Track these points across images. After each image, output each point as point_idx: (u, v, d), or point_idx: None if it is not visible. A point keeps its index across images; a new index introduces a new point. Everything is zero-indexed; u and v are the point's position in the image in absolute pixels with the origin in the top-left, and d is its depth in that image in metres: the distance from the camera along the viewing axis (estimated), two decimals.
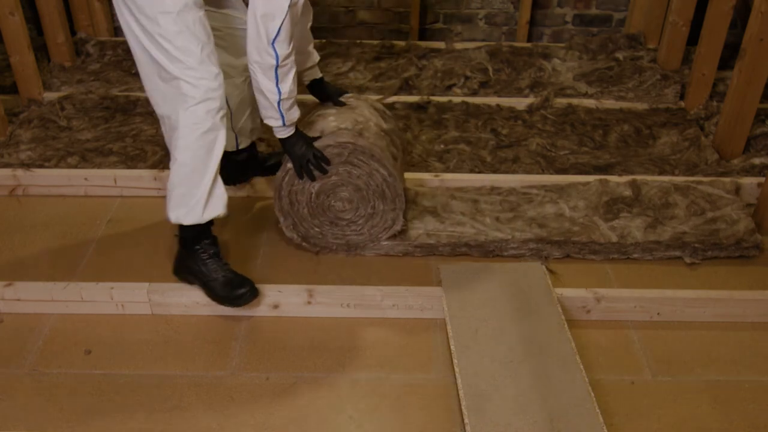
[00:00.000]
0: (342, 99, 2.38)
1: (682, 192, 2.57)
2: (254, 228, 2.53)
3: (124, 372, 2.00)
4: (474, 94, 3.31)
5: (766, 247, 2.48)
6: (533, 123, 3.09)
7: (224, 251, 2.40)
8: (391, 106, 3.17)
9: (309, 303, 2.17)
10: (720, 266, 2.41)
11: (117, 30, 3.70)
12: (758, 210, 2.56)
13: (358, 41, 3.69)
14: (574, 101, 3.23)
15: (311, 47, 2.30)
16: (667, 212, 2.49)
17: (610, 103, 3.23)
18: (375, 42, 3.67)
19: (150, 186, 2.65)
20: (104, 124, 3.01)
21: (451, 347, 2.01)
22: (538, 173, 2.76)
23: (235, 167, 2.60)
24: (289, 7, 1.92)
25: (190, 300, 2.15)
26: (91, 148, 2.84)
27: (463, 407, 1.83)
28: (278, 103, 2.06)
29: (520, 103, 3.22)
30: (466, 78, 3.37)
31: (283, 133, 2.16)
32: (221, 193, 2.09)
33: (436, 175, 2.68)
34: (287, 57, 2.00)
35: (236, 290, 2.10)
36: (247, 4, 1.99)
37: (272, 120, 2.12)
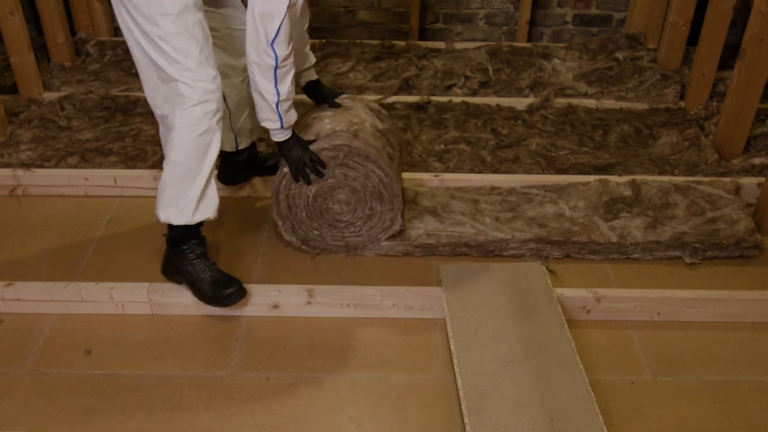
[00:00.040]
0: (337, 100, 2.38)
1: (682, 192, 2.57)
2: (254, 228, 2.53)
3: (124, 372, 2.00)
4: (474, 94, 3.31)
5: (766, 247, 2.48)
6: (533, 123, 3.09)
7: (224, 251, 2.41)
8: (391, 106, 3.17)
9: (309, 303, 2.17)
10: (720, 266, 2.41)
11: (117, 30, 3.70)
12: (758, 210, 2.56)
13: (358, 41, 3.69)
14: (574, 101, 3.23)
15: (308, 49, 2.31)
16: (667, 212, 2.49)
17: (610, 103, 3.23)
18: (375, 42, 3.67)
19: (150, 186, 2.65)
20: (104, 124, 3.01)
21: (451, 347, 2.01)
22: (538, 173, 2.76)
23: (235, 168, 2.60)
24: (288, 7, 1.92)
25: (190, 300, 2.15)
26: (91, 148, 2.84)
27: (463, 407, 1.83)
28: (277, 104, 2.06)
29: (520, 103, 3.22)
30: (466, 78, 3.37)
31: (280, 136, 2.16)
32: (213, 196, 2.09)
33: (436, 175, 2.68)
34: (286, 58, 2.00)
35: (224, 290, 2.10)
36: (245, 5, 1.99)
37: (270, 122, 2.12)
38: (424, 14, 3.81)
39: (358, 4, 3.80)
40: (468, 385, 1.88)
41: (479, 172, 2.76)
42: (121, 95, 3.19)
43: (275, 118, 2.10)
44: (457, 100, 3.22)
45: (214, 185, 2.09)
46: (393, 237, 2.39)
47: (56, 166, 2.74)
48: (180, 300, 2.16)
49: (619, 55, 3.52)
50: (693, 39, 3.22)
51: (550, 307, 2.13)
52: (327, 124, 2.27)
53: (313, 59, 2.34)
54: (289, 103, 2.09)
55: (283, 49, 1.97)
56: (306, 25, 2.24)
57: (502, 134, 3.00)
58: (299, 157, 2.18)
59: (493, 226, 2.43)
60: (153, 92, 2.01)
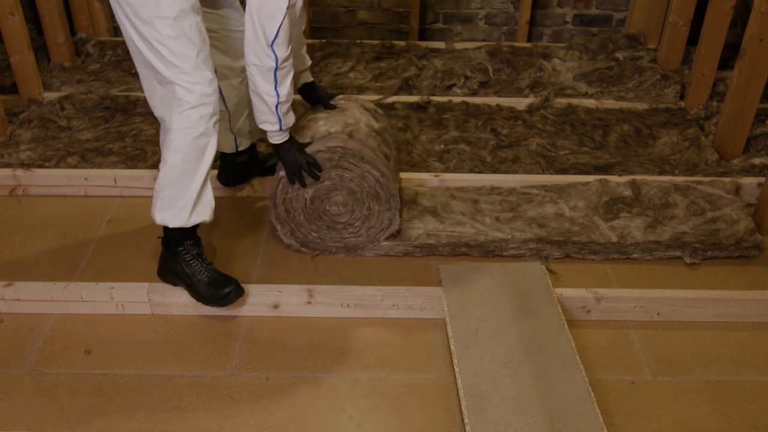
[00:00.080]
0: (332, 102, 2.38)
1: (682, 192, 2.57)
2: (254, 228, 2.53)
3: (124, 372, 2.00)
4: (474, 94, 3.31)
5: (766, 247, 2.48)
6: (533, 123, 3.09)
7: (224, 251, 2.41)
8: (391, 106, 3.17)
9: (309, 303, 2.17)
10: (720, 266, 2.41)
11: (117, 30, 3.70)
12: (758, 210, 2.56)
13: (358, 41, 3.69)
14: (574, 101, 3.23)
15: (304, 50, 2.31)
16: (667, 212, 2.49)
17: (610, 103, 3.23)
18: (375, 42, 3.67)
19: (150, 186, 2.65)
20: (104, 124, 3.01)
21: (451, 347, 2.01)
22: (538, 173, 2.76)
23: (235, 168, 2.60)
24: (288, 8, 1.92)
25: (190, 300, 2.15)
26: (91, 148, 2.84)
27: (463, 407, 1.83)
28: (276, 106, 2.06)
29: (520, 103, 3.22)
30: (466, 78, 3.37)
31: (278, 139, 2.16)
32: (209, 199, 2.09)
33: (436, 175, 2.68)
34: (286, 59, 2.00)
35: (221, 290, 2.10)
36: (244, 6, 1.98)
37: (268, 125, 2.12)
38: (424, 14, 3.81)
39: (358, 4, 3.80)
40: (468, 385, 1.88)
41: (479, 172, 2.76)
42: (121, 95, 3.19)
43: (274, 120, 2.10)
44: (457, 100, 3.22)
45: (210, 188, 2.09)
46: (393, 237, 2.39)
47: (56, 166, 2.74)
48: (180, 300, 2.16)
49: (619, 55, 3.52)
50: (693, 39, 3.22)
51: (550, 307, 2.13)
52: (322, 126, 2.27)
53: (309, 61, 2.35)
54: (288, 105, 2.09)
55: (282, 50, 1.97)
56: (303, 27, 2.24)
57: (502, 134, 3.00)
58: (296, 159, 2.19)
59: (493, 226, 2.43)
60: (151, 93, 2.01)
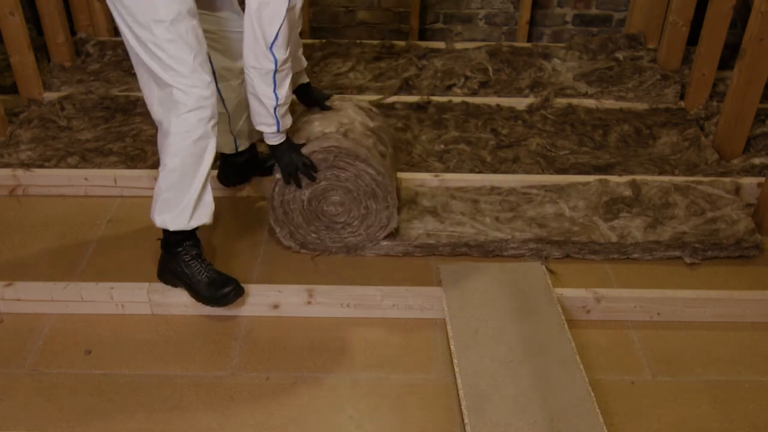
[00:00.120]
0: (327, 103, 2.38)
1: (682, 192, 2.57)
2: (254, 228, 2.52)
3: (124, 372, 2.00)
4: (474, 94, 3.30)
5: (766, 247, 2.48)
6: (533, 123, 3.09)
7: (224, 251, 2.41)
8: (391, 106, 3.17)
9: (309, 303, 2.17)
10: (720, 266, 2.41)
11: (117, 30, 3.67)
12: (758, 210, 2.56)
13: (358, 41, 3.69)
14: (574, 101, 3.23)
15: (300, 52, 2.31)
16: (667, 212, 2.49)
17: (610, 103, 3.22)
18: (375, 42, 3.67)
19: (150, 186, 2.65)
20: (104, 124, 3.01)
21: (451, 347, 2.01)
22: (538, 173, 2.76)
23: (235, 169, 2.60)
24: (287, 11, 1.92)
25: (190, 300, 2.15)
26: (91, 148, 2.84)
27: (463, 407, 1.83)
28: (275, 108, 2.06)
29: (520, 103, 3.22)
30: (466, 78, 3.37)
31: (275, 140, 2.16)
32: (209, 202, 2.09)
33: (436, 175, 2.68)
34: (285, 62, 2.00)
35: (220, 290, 2.10)
36: (243, 8, 1.98)
37: (266, 126, 2.12)
38: (424, 14, 3.81)
39: (358, 4, 3.80)
40: (468, 385, 1.88)
41: (479, 172, 2.76)
42: (121, 95, 3.19)
43: (272, 122, 2.10)
44: (457, 100, 3.22)
45: (210, 190, 2.09)
46: (393, 237, 2.39)
47: (56, 166, 2.74)
48: (180, 300, 2.16)
49: (619, 55, 3.52)
50: (693, 39, 3.22)
51: (550, 307, 2.13)
52: (317, 126, 2.28)
53: (305, 63, 2.34)
54: (286, 107, 2.10)
55: (281, 53, 1.97)
56: (299, 29, 2.24)
57: (502, 134, 3.00)
58: (291, 160, 2.19)
59: (493, 226, 2.43)
60: (149, 96, 2.01)
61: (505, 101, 3.23)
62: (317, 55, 3.54)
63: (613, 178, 2.64)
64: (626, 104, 3.22)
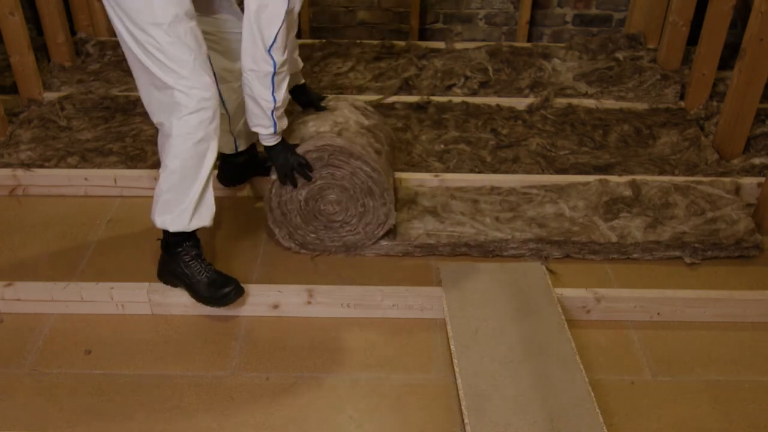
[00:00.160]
0: (323, 103, 2.38)
1: (682, 192, 2.57)
2: (254, 228, 2.52)
3: (124, 372, 2.00)
4: (474, 94, 3.31)
5: (766, 247, 2.48)
6: (533, 123, 3.09)
7: (224, 251, 2.41)
8: (391, 106, 3.17)
9: (309, 303, 2.17)
10: (720, 266, 2.41)
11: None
12: (758, 210, 2.56)
13: (358, 41, 3.69)
14: (574, 101, 3.23)
15: (296, 54, 2.31)
16: (667, 212, 2.49)
17: (610, 103, 3.23)
18: (375, 42, 3.67)
19: (150, 186, 2.65)
20: (104, 124, 3.01)
21: (451, 347, 2.01)
22: (538, 173, 2.76)
23: (235, 169, 2.60)
24: (286, 13, 1.92)
25: (190, 300, 2.15)
26: (91, 148, 2.84)
27: (463, 407, 1.83)
28: (272, 111, 2.06)
29: (520, 103, 3.22)
30: (466, 78, 3.37)
31: (271, 141, 2.16)
32: (210, 204, 2.09)
33: (436, 175, 2.68)
34: (283, 64, 2.01)
35: (220, 290, 2.10)
36: (242, 9, 1.98)
37: (262, 128, 2.12)
38: (424, 14, 3.81)
39: (358, 4, 3.80)
40: (468, 385, 1.88)
41: (479, 172, 2.76)
42: (121, 95, 3.19)
43: (269, 124, 2.10)
44: (457, 100, 3.22)
45: (211, 193, 2.09)
46: (393, 237, 2.39)
47: (56, 166, 2.74)
48: (180, 300, 2.16)
49: (619, 55, 3.52)
50: (693, 39, 3.22)
51: (550, 307, 2.13)
52: (311, 126, 2.28)
53: (300, 64, 2.35)
54: (282, 109, 2.10)
55: (279, 55, 1.98)
56: (295, 31, 2.24)
57: (502, 134, 3.00)
58: (287, 161, 2.19)
59: (493, 226, 2.43)
60: (148, 99, 2.01)
61: (505, 101, 3.23)
62: (317, 55, 3.54)
63: (613, 178, 2.64)
64: (626, 104, 3.22)
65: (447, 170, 2.76)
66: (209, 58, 2.02)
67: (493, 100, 3.23)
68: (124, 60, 3.44)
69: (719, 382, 2.01)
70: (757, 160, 2.82)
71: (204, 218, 2.09)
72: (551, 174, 2.75)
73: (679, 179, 2.66)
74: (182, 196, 2.03)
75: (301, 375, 2.00)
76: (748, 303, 2.19)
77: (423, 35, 3.85)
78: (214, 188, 2.13)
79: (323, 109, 2.37)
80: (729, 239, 2.39)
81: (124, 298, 2.16)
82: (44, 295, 2.16)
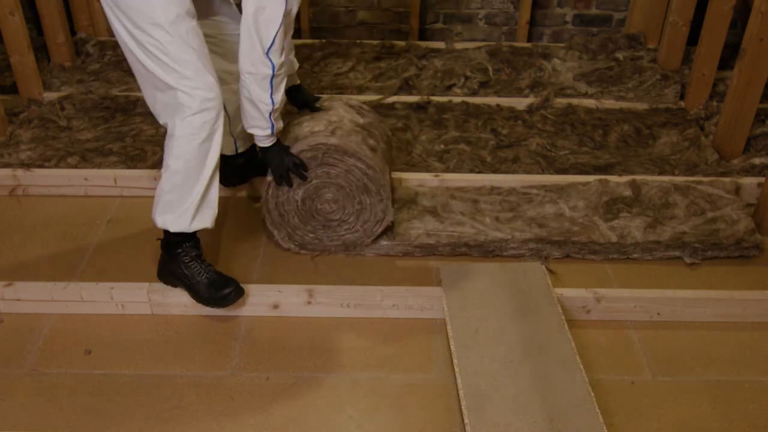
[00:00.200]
0: (317, 104, 2.38)
1: (682, 192, 2.57)
2: (254, 228, 2.52)
3: (124, 372, 2.00)
4: (474, 94, 3.30)
5: (766, 247, 2.48)
6: (533, 123, 3.09)
7: (224, 251, 2.41)
8: (391, 106, 3.17)
9: (309, 303, 2.17)
10: (720, 266, 2.41)
11: None
12: (758, 210, 2.56)
13: (358, 41, 3.69)
14: (574, 101, 3.23)
15: (292, 55, 2.31)
16: (666, 212, 2.49)
17: (610, 103, 3.23)
18: (375, 42, 3.67)
19: (150, 186, 2.65)
20: (104, 124, 3.01)
21: (451, 347, 2.01)
22: (538, 173, 2.76)
23: (235, 170, 2.60)
24: (284, 16, 1.92)
25: (190, 300, 2.15)
26: (91, 148, 2.84)
27: (463, 407, 1.83)
28: (270, 113, 2.06)
29: (520, 103, 3.22)
30: (466, 78, 3.37)
31: (267, 142, 2.16)
32: (213, 206, 2.09)
33: (436, 175, 2.68)
34: (281, 66, 2.00)
35: (220, 291, 2.10)
36: (241, 11, 1.98)
37: (259, 129, 2.12)
38: (424, 14, 3.81)
39: (358, 4, 3.80)
40: (468, 385, 1.88)
41: (479, 172, 2.76)
42: (121, 95, 3.19)
43: (266, 126, 2.10)
44: (457, 100, 3.22)
45: (215, 194, 2.08)
46: (393, 237, 2.39)
47: (56, 166, 2.74)
48: (180, 300, 2.16)
49: (619, 55, 3.52)
50: (693, 39, 3.22)
51: (550, 307, 2.13)
52: (305, 127, 2.28)
53: (296, 65, 2.35)
54: (279, 111, 2.10)
55: (277, 57, 1.97)
56: (291, 33, 2.24)
57: (502, 134, 3.00)
58: (283, 161, 2.19)
59: (493, 226, 2.43)
60: (152, 101, 2.01)
61: (505, 101, 3.23)
62: (317, 55, 3.54)
63: (613, 178, 2.64)
64: (626, 104, 3.22)
65: (447, 170, 2.76)
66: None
67: (493, 100, 3.23)
68: (124, 60, 3.44)
69: (719, 382, 2.01)
70: (757, 160, 2.82)
71: (205, 220, 2.09)
72: (551, 174, 2.75)
73: (679, 179, 2.66)
74: (184, 196, 2.03)
75: (301, 375, 2.00)
76: (748, 303, 2.19)
77: (423, 35, 3.85)
78: None
79: (318, 109, 2.37)
80: (729, 239, 2.39)
81: (124, 298, 2.16)
82: (44, 295, 2.16)
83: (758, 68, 2.66)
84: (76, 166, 2.74)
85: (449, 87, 3.34)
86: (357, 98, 3.08)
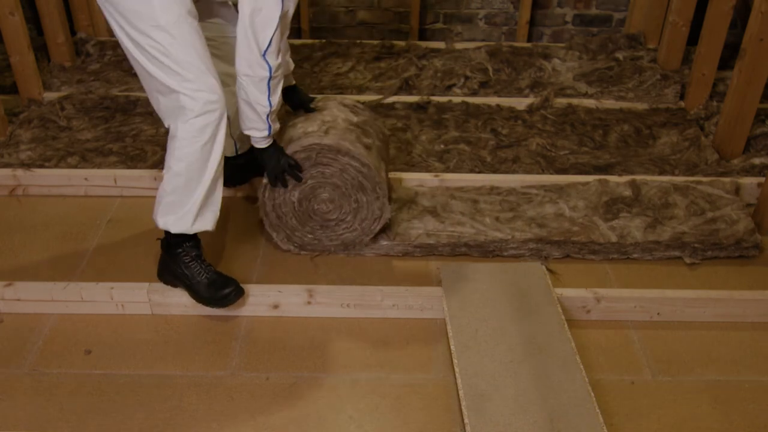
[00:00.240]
0: (312, 104, 2.39)
1: (681, 192, 2.57)
2: (254, 228, 2.52)
3: (124, 372, 2.00)
4: (474, 94, 3.30)
5: (766, 247, 2.48)
6: (533, 123, 3.09)
7: (224, 252, 2.41)
8: (391, 106, 3.17)
9: (309, 303, 2.17)
10: (720, 266, 2.41)
11: None
12: (758, 210, 2.56)
13: (358, 41, 3.69)
14: (574, 101, 3.23)
15: (288, 56, 2.30)
16: (666, 212, 2.49)
17: (610, 103, 3.23)
18: (375, 42, 3.67)
19: (150, 186, 2.65)
20: (104, 124, 3.01)
21: (451, 347, 2.01)
22: (538, 173, 2.76)
23: (235, 170, 2.60)
24: (280, 18, 1.92)
25: (190, 300, 2.15)
26: (91, 148, 2.84)
27: (463, 407, 1.83)
28: (267, 115, 2.06)
29: (520, 103, 3.22)
30: (466, 78, 3.37)
31: (263, 144, 2.16)
32: (215, 209, 2.09)
33: (436, 175, 2.68)
34: (278, 68, 2.00)
35: (220, 291, 2.09)
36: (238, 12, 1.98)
37: (256, 131, 2.12)
38: (424, 14, 3.81)
39: (358, 4, 3.80)
40: (468, 385, 1.88)
41: (479, 172, 2.76)
42: (121, 95, 3.19)
43: (263, 128, 2.10)
44: (457, 100, 3.22)
45: (219, 197, 2.08)
46: (392, 237, 2.39)
47: (56, 166, 2.74)
48: (180, 300, 2.16)
49: (619, 55, 3.52)
50: (693, 39, 3.22)
51: (550, 307, 2.13)
52: (299, 128, 2.29)
53: (292, 65, 2.35)
54: (275, 113, 2.10)
55: (274, 59, 1.97)
56: (287, 34, 2.24)
57: (502, 134, 3.00)
58: (278, 163, 2.19)
59: (492, 226, 2.43)
60: (156, 104, 2.01)
61: (505, 101, 3.23)
62: (317, 55, 3.54)
63: (613, 178, 2.64)
64: (626, 104, 3.22)
65: (447, 170, 2.76)
66: None
67: (493, 100, 3.23)
68: (125, 60, 3.46)
69: (719, 382, 2.01)
70: (757, 160, 2.82)
71: (207, 222, 2.09)
72: (551, 174, 2.75)
73: (679, 179, 2.66)
74: (186, 198, 2.03)
75: (301, 375, 2.00)
76: (748, 303, 2.19)
77: (423, 35, 3.85)
78: None
79: (313, 110, 2.37)
80: (729, 239, 2.39)
81: (124, 298, 2.16)
82: (44, 295, 2.16)
83: (758, 68, 2.66)
84: (76, 166, 2.74)
85: (449, 87, 3.34)
86: (357, 98, 3.08)
